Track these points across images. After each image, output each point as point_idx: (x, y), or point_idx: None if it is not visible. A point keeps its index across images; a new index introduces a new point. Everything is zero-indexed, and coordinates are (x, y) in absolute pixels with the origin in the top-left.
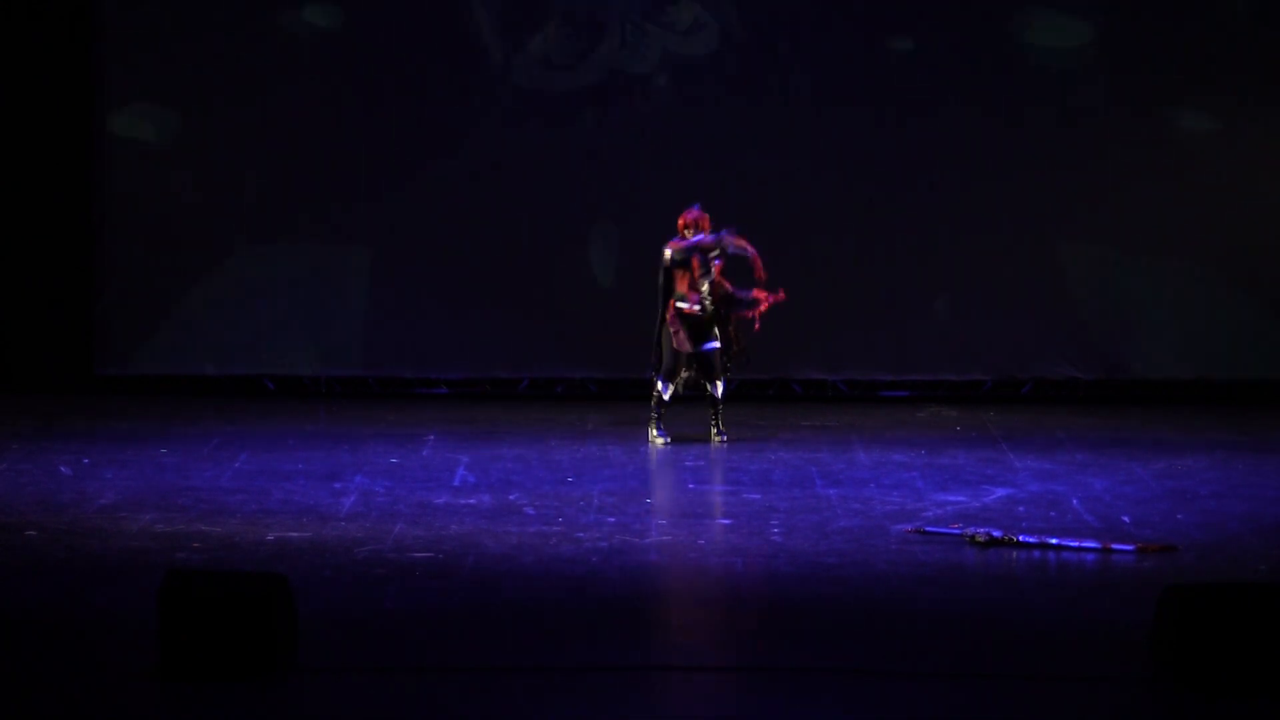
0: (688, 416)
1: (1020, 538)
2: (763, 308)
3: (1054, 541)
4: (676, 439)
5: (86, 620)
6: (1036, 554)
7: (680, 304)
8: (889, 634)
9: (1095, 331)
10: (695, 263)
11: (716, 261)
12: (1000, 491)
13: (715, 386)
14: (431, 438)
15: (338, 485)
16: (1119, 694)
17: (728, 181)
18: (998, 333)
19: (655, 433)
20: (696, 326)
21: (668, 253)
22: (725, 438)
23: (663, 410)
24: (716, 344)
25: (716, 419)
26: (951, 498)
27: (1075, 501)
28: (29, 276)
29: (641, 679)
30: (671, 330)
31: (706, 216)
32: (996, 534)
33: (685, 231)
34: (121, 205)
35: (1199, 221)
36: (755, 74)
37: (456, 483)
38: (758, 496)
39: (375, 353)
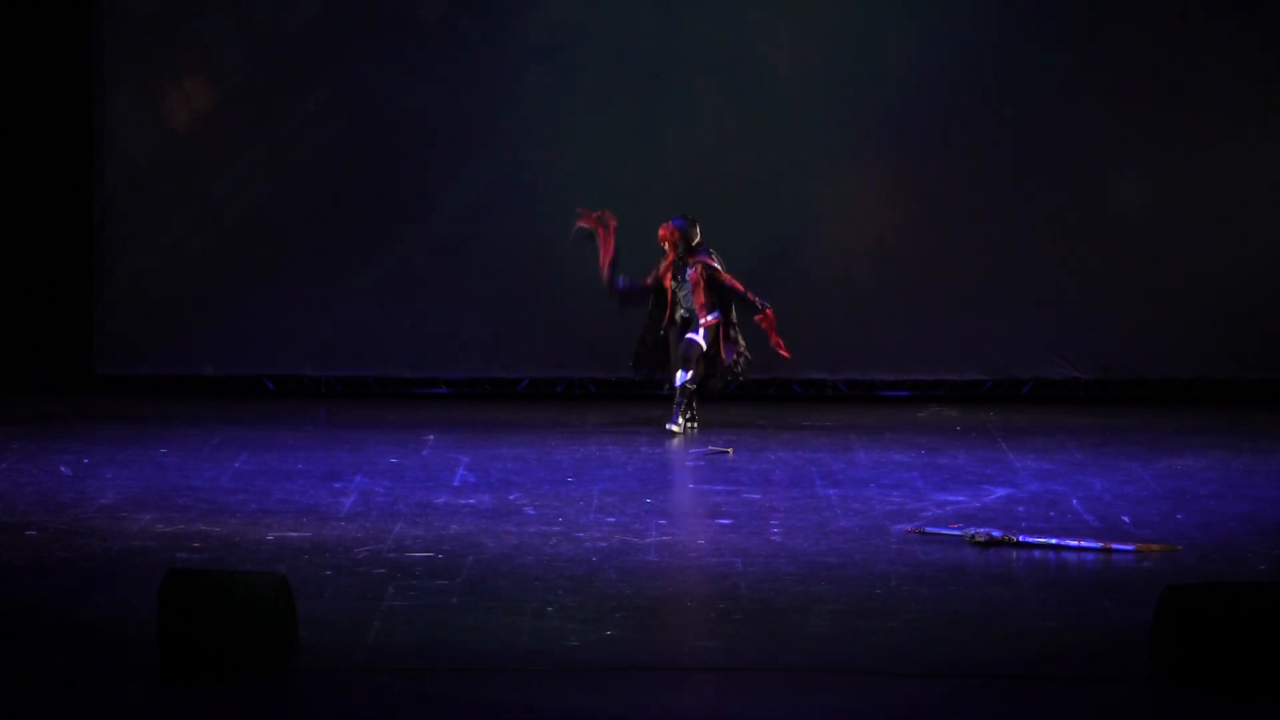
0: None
1: (1020, 538)
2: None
3: (1054, 541)
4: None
5: (86, 620)
6: (1036, 554)
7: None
8: (889, 634)
9: (1095, 331)
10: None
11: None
12: (1000, 491)
13: (676, 375)
14: (431, 438)
15: (338, 485)
16: (1119, 694)
17: (728, 181)
18: (998, 333)
19: (680, 421)
20: (685, 322)
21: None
22: (677, 428)
23: (688, 399)
24: (696, 337)
25: (678, 408)
26: (951, 498)
27: (1075, 501)
28: (28, 276)
29: (642, 679)
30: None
31: (678, 231)
32: (996, 534)
33: (663, 244)
34: (122, 205)
35: (1199, 221)
36: (756, 75)
37: (456, 483)
38: (758, 496)
39: (375, 353)
